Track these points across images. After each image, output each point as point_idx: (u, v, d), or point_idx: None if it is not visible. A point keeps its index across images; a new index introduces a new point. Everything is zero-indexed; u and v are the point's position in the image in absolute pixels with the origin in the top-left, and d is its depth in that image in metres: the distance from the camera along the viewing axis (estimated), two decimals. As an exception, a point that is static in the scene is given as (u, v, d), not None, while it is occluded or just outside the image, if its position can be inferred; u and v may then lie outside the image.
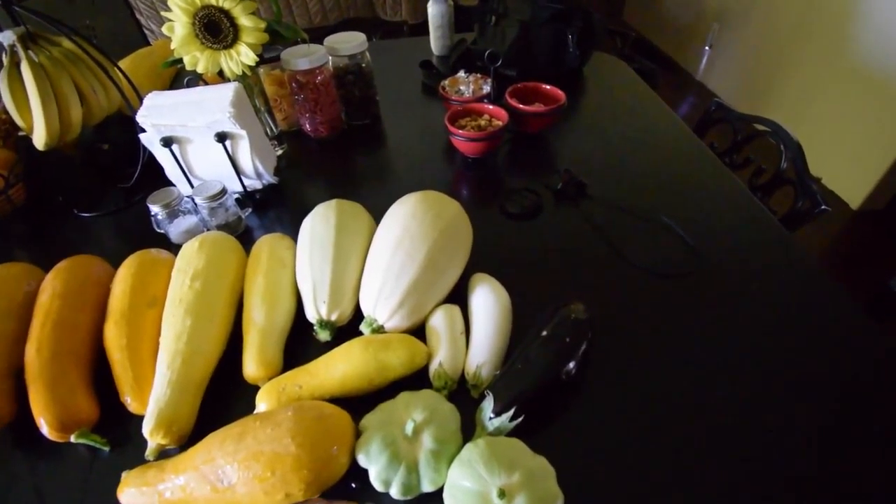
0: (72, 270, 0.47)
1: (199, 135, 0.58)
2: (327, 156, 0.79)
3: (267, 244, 0.51)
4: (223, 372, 0.45)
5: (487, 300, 0.47)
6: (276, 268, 0.49)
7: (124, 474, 0.37)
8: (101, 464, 0.41)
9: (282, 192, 0.69)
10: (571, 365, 0.42)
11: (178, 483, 0.35)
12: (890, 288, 0.56)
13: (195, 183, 0.61)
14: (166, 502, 0.35)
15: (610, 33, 1.11)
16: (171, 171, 0.61)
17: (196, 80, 0.64)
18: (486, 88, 0.78)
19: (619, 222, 0.62)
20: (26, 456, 0.42)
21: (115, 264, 0.50)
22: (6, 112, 0.60)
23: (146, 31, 1.65)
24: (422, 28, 1.07)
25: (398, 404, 0.39)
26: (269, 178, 0.65)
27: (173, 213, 0.57)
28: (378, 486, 0.36)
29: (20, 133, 0.69)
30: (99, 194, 0.68)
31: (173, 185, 0.61)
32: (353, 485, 0.38)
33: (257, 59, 0.61)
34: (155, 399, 0.39)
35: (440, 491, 0.36)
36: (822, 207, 0.68)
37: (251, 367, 0.43)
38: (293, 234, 0.54)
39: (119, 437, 0.42)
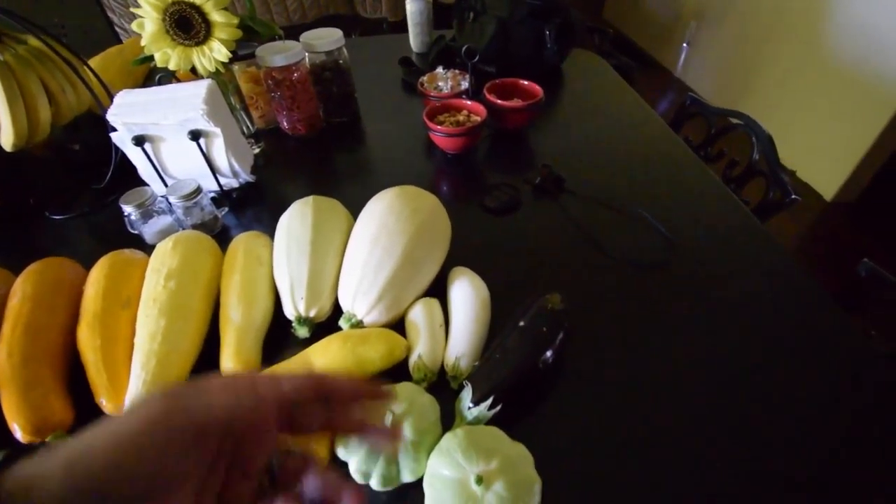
0: (42, 273, 0.46)
1: (173, 133, 0.57)
2: (306, 154, 0.78)
3: (243, 242, 0.51)
4: (201, 371, 0.44)
5: (466, 293, 0.47)
6: (252, 266, 0.48)
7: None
8: (75, 467, 0.40)
9: (259, 190, 0.69)
10: (548, 354, 0.43)
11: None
12: (857, 273, 0.58)
13: (169, 182, 0.60)
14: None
15: (588, 30, 1.13)
16: (145, 170, 0.60)
17: (168, 77, 0.63)
18: (465, 84, 0.79)
19: (597, 215, 0.63)
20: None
21: (89, 266, 0.49)
22: (-30, 112, 0.58)
23: (118, 30, 1.61)
24: (402, 26, 1.07)
25: (377, 397, 0.39)
26: (246, 177, 0.65)
27: (147, 213, 0.57)
28: (358, 478, 0.36)
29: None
30: (71, 196, 0.67)
31: (147, 185, 0.60)
32: (334, 479, 0.38)
33: (231, 55, 0.60)
34: (130, 401, 0.39)
35: (420, 481, 0.36)
36: (793, 197, 0.70)
37: (228, 364, 0.43)
38: (272, 233, 0.54)
39: (94, 439, 0.41)
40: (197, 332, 0.45)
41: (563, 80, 0.97)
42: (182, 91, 0.57)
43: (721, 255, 0.58)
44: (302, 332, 0.46)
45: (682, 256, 0.57)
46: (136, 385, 0.40)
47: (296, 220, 0.50)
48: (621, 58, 1.08)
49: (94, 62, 0.70)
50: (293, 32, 0.75)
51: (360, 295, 0.45)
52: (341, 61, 0.78)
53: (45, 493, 0.18)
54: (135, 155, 0.59)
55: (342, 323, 0.46)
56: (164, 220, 0.58)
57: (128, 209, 0.55)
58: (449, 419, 0.41)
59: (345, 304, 0.46)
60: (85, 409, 0.42)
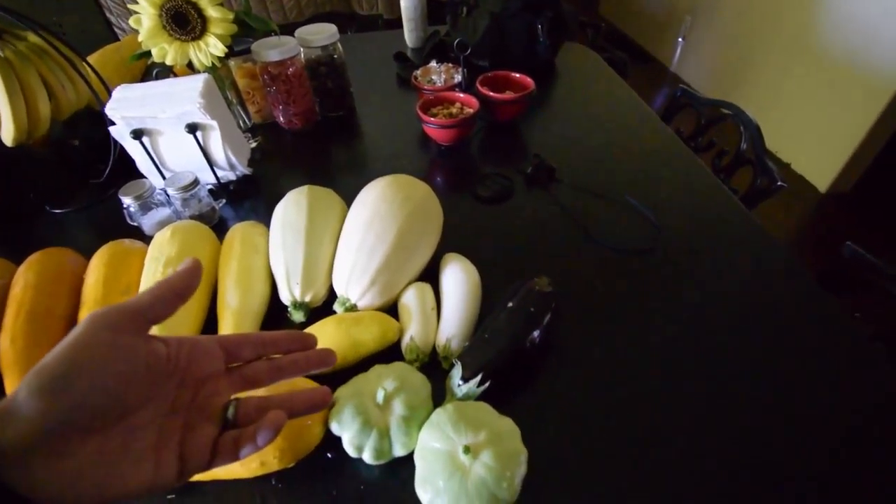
0: (44, 262, 0.48)
1: (170, 126, 0.58)
2: (302, 147, 0.79)
3: (240, 231, 0.52)
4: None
5: (458, 277, 0.49)
6: (249, 253, 0.50)
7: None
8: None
9: (256, 183, 0.70)
10: (536, 334, 0.44)
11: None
12: (842, 255, 0.59)
13: (167, 175, 0.62)
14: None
15: (581, 25, 1.14)
16: (143, 163, 0.62)
17: (165, 72, 0.64)
18: (458, 78, 0.80)
19: (588, 204, 0.65)
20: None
21: (89, 258, 0.50)
22: (-28, 108, 0.60)
23: (117, 30, 1.63)
24: (397, 22, 1.08)
25: (370, 376, 0.41)
26: (243, 169, 0.66)
27: (146, 205, 0.58)
28: (351, 451, 0.37)
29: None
30: (71, 190, 0.68)
31: (145, 178, 0.61)
32: (329, 454, 0.39)
33: (226, 50, 0.61)
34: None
35: (412, 455, 0.38)
36: (779, 184, 0.71)
37: (227, 348, 0.44)
38: (268, 223, 0.55)
39: (97, 421, 0.42)
40: (195, 317, 0.46)
41: (556, 73, 0.98)
42: (179, 85, 0.59)
43: (708, 241, 0.59)
44: (297, 316, 0.47)
45: (669, 242, 0.59)
46: (136, 367, 0.41)
47: (291, 208, 0.52)
48: (614, 51, 1.09)
49: (92, 59, 0.71)
50: (289, 30, 0.76)
51: (353, 279, 0.46)
52: (336, 56, 0.79)
53: (14, 399, 0.20)
54: (133, 148, 0.60)
55: (337, 307, 0.47)
56: (162, 212, 0.60)
57: (127, 201, 0.56)
58: (440, 397, 0.42)
59: (339, 289, 0.48)
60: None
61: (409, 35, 1.04)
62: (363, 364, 0.43)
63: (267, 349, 0.30)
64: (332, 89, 0.82)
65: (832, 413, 0.42)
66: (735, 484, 0.38)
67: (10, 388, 0.41)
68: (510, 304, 0.45)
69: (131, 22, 0.59)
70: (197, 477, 0.34)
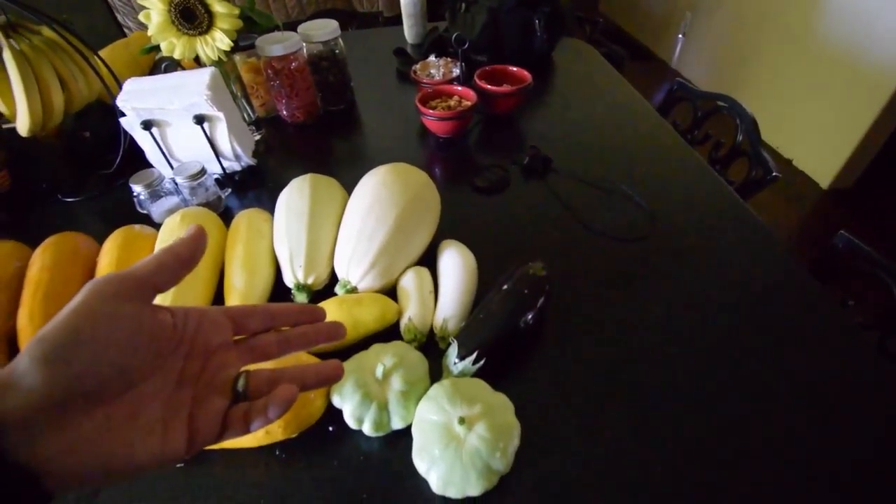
0: (59, 245, 0.50)
1: (178, 117, 0.60)
2: (304, 140, 0.81)
3: (245, 217, 0.54)
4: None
5: (455, 261, 0.50)
6: (254, 238, 0.52)
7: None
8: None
9: (260, 174, 0.72)
10: (530, 316, 0.46)
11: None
12: (834, 245, 0.60)
13: (175, 165, 0.64)
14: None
15: (579, 20, 1.15)
16: (152, 154, 0.64)
17: (174, 66, 0.67)
18: (456, 71, 0.81)
19: (583, 194, 0.66)
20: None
21: (100, 243, 0.52)
22: (-11, 100, 0.62)
23: (126, 31, 1.65)
24: (397, 20, 1.10)
25: (370, 354, 0.43)
26: (248, 160, 0.68)
27: (155, 193, 0.60)
28: (352, 423, 0.39)
29: (4, 126, 0.70)
30: (82, 180, 0.70)
31: (154, 168, 0.63)
32: (331, 428, 0.41)
33: (232, 44, 0.63)
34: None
35: (409, 428, 0.39)
36: (773, 174, 0.72)
37: (233, 327, 0.46)
38: (272, 212, 0.57)
39: (110, 396, 0.44)
40: (203, 298, 0.48)
41: (553, 67, 1.00)
42: (187, 78, 0.60)
43: (701, 229, 0.60)
44: (301, 298, 0.49)
45: (663, 230, 0.60)
46: (147, 343, 0.43)
47: (295, 194, 0.53)
48: (611, 46, 1.11)
49: (102, 54, 0.73)
50: (292, 27, 0.78)
51: (354, 262, 0.48)
52: (338, 51, 0.81)
53: (15, 368, 0.19)
54: (143, 139, 0.62)
55: (338, 289, 0.49)
56: (171, 201, 0.62)
57: (137, 189, 0.58)
58: (437, 376, 0.44)
59: (340, 272, 0.50)
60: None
61: (409, 31, 1.06)
62: (363, 344, 0.45)
63: (275, 321, 0.29)
64: (333, 83, 0.83)
65: (821, 398, 0.43)
66: (723, 455, 0.39)
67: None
68: (505, 287, 0.47)
69: (141, 17, 0.61)
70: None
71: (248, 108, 0.78)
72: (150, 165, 0.65)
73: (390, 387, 0.40)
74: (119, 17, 1.63)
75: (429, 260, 0.53)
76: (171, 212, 0.61)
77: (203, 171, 0.60)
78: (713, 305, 0.51)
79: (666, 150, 0.75)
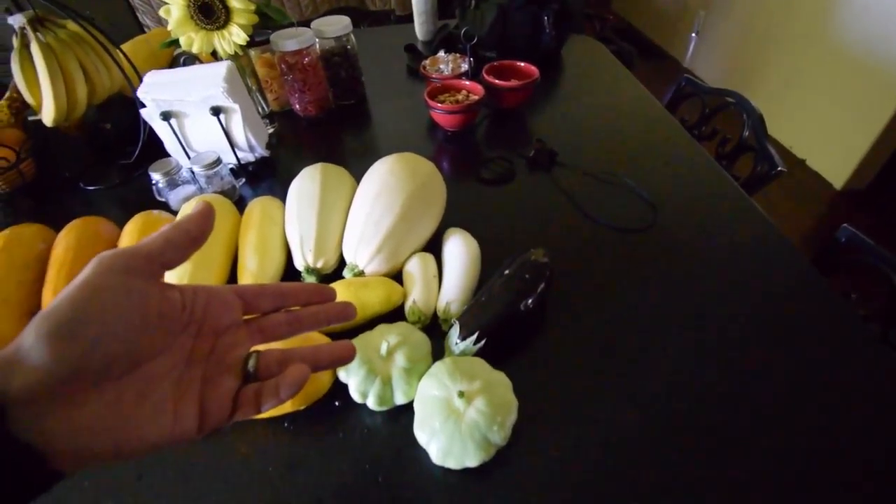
0: (82, 228, 0.53)
1: (196, 109, 0.63)
2: (316, 133, 0.83)
3: (259, 204, 0.56)
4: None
5: (459, 247, 0.52)
6: (267, 224, 0.54)
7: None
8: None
9: (273, 165, 0.74)
10: (530, 300, 0.47)
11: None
12: (837, 239, 0.61)
13: (192, 155, 0.66)
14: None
15: (588, 17, 1.16)
16: (170, 144, 0.66)
17: (192, 59, 0.69)
18: (465, 66, 0.83)
19: (588, 186, 0.67)
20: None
21: (121, 228, 0.55)
22: (17, 91, 0.65)
23: (146, 29, 1.70)
24: (409, 18, 1.12)
25: (375, 333, 0.44)
26: (261, 151, 0.70)
27: (173, 181, 0.62)
28: (357, 397, 0.41)
29: (30, 117, 0.74)
30: (103, 170, 0.73)
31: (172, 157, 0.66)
32: (336, 402, 0.43)
33: (248, 38, 0.65)
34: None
35: (412, 404, 0.41)
36: (779, 169, 0.73)
37: (245, 307, 0.48)
38: (283, 202, 0.59)
39: (128, 369, 0.47)
40: (217, 279, 0.50)
41: (562, 64, 1.01)
42: (204, 71, 0.63)
43: (704, 221, 0.61)
44: (310, 280, 0.51)
45: (666, 222, 0.61)
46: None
47: (306, 182, 0.55)
48: (621, 43, 1.11)
49: (123, 48, 0.76)
50: (305, 26, 0.80)
51: (361, 246, 0.50)
52: (349, 47, 0.83)
53: (20, 345, 0.18)
54: (161, 129, 0.65)
55: (346, 273, 0.51)
56: (187, 189, 0.64)
57: (156, 177, 0.60)
58: (439, 356, 0.45)
59: (348, 256, 0.51)
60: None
61: (420, 28, 1.08)
62: (369, 325, 0.47)
63: (286, 300, 0.28)
64: (345, 78, 0.86)
65: (820, 387, 0.43)
66: (716, 441, 0.40)
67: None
68: (507, 272, 0.48)
69: (161, 12, 0.63)
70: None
71: (262, 101, 0.80)
72: (167, 156, 0.67)
73: (394, 363, 0.42)
74: (139, 16, 1.68)
75: (434, 248, 0.55)
76: (187, 200, 0.64)
77: (219, 161, 0.62)
78: (712, 294, 0.52)
79: (671, 145, 0.75)
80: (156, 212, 0.56)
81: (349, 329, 0.47)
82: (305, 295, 0.29)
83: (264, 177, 0.72)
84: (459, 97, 0.77)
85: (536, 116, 0.84)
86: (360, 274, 0.51)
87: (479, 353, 0.44)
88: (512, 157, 0.72)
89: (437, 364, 0.41)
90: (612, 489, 0.37)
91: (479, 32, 0.92)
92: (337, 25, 0.79)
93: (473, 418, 0.37)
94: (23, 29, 0.59)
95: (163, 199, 0.64)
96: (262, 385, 0.25)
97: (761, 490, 0.37)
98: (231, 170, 0.68)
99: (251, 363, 0.26)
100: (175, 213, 0.63)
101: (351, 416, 0.42)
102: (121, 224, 0.55)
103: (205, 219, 0.26)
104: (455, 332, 0.45)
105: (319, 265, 0.51)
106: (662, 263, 0.56)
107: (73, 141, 0.78)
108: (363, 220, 0.50)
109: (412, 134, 0.81)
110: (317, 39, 0.80)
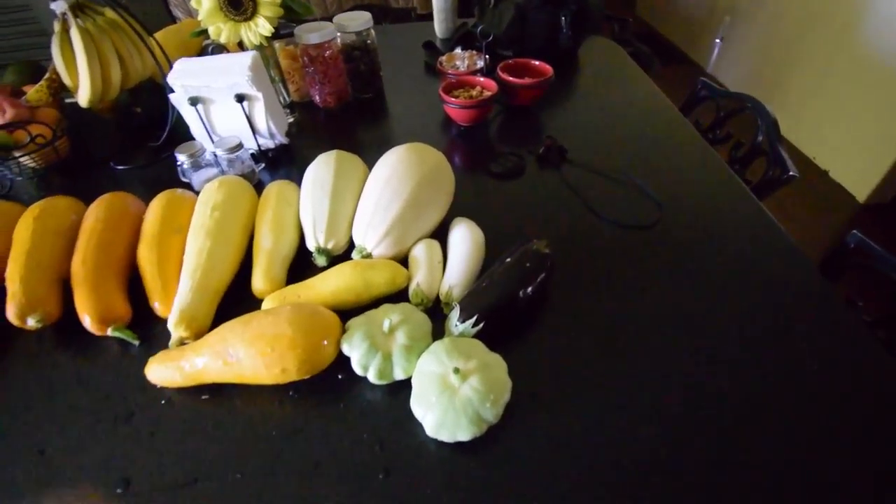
0: (111, 201, 0.56)
1: (221, 95, 0.66)
2: (334, 124, 0.86)
3: (275, 187, 0.59)
4: (236, 289, 0.52)
5: (464, 234, 0.54)
6: (282, 205, 0.56)
7: (151, 358, 0.45)
8: (131, 355, 0.48)
9: (291, 152, 0.77)
10: (530, 288, 0.48)
11: (195, 359, 0.42)
12: (846, 244, 0.61)
13: (216, 139, 0.69)
14: (185, 374, 0.43)
15: (607, 18, 1.16)
16: (196, 128, 0.70)
17: (220, 49, 0.72)
18: (480, 63, 0.85)
19: (595, 184, 0.68)
20: (68, 348, 0.50)
21: (146, 204, 0.58)
22: (56, 73, 0.69)
23: (177, 21, 1.76)
24: (430, 16, 1.14)
25: (379, 311, 0.46)
26: (281, 139, 0.73)
27: (196, 163, 0.66)
28: (358, 370, 0.43)
29: (67, 99, 0.78)
30: (131, 150, 0.77)
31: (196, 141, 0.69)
32: (339, 375, 0.45)
33: (273, 30, 0.68)
34: (179, 300, 0.47)
35: (410, 380, 0.43)
36: (791, 174, 0.72)
37: (259, 282, 0.50)
38: (299, 186, 0.61)
39: (147, 335, 0.50)
40: (235, 255, 0.53)
41: (578, 64, 1.01)
42: (231, 60, 0.66)
43: (711, 222, 0.61)
44: (321, 260, 0.53)
45: (673, 222, 0.61)
46: (184, 289, 0.48)
47: (321, 167, 0.58)
48: (639, 46, 1.11)
49: (156, 36, 0.80)
50: (328, 21, 0.83)
51: (370, 229, 0.52)
52: (369, 42, 0.86)
53: None
54: (188, 114, 0.68)
55: (354, 255, 0.53)
56: (210, 171, 0.67)
57: (181, 158, 0.64)
58: (439, 337, 0.47)
59: (357, 239, 0.54)
60: (140, 311, 0.51)
61: (439, 26, 1.10)
62: (374, 305, 0.49)
63: None
64: (364, 72, 0.88)
65: (821, 388, 0.44)
66: (710, 433, 0.41)
67: (78, 299, 0.48)
68: (509, 260, 0.50)
69: (192, 3, 0.67)
70: (226, 379, 0.41)
71: (283, 91, 0.83)
72: (192, 140, 0.71)
73: (395, 340, 0.44)
74: (171, 9, 1.75)
75: (441, 237, 0.57)
76: (209, 181, 0.67)
77: (240, 146, 0.66)
78: (713, 294, 0.52)
79: (683, 146, 0.76)
80: (179, 191, 0.59)
81: (356, 308, 0.49)
82: None
83: (282, 163, 0.75)
84: (474, 93, 0.78)
85: (549, 114, 0.85)
86: (368, 256, 0.53)
87: (477, 336, 0.46)
88: (522, 152, 0.74)
89: (436, 343, 0.43)
90: (597, 475, 0.38)
91: (496, 31, 0.94)
92: (358, 21, 0.82)
93: (467, 394, 0.39)
94: (64, 14, 0.63)
95: (186, 180, 0.67)
96: None
97: (761, 482, 0.38)
98: (252, 155, 0.71)
99: None
100: (197, 193, 0.66)
101: (352, 389, 0.44)
102: (147, 201, 0.59)
103: None
104: (455, 315, 0.46)
105: (330, 246, 0.53)
106: (666, 262, 0.56)
107: (105, 123, 0.82)
108: (373, 205, 0.52)
109: (426, 128, 0.83)
110: (338, 34, 0.82)
